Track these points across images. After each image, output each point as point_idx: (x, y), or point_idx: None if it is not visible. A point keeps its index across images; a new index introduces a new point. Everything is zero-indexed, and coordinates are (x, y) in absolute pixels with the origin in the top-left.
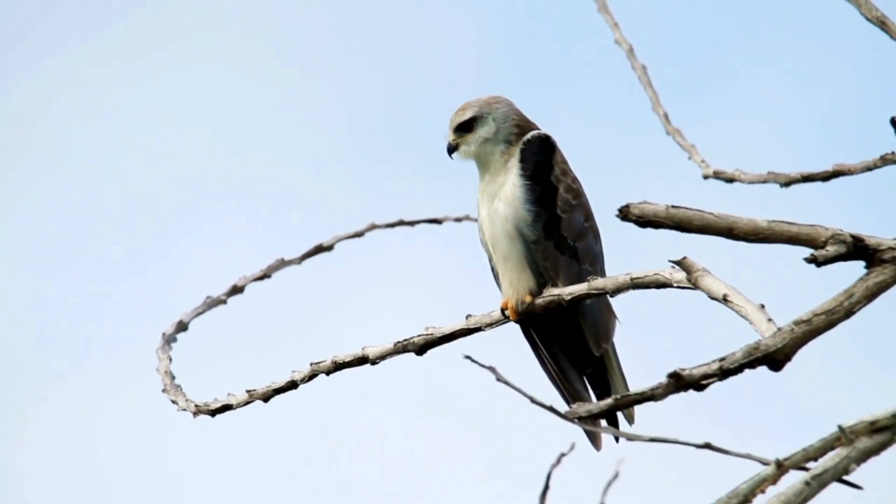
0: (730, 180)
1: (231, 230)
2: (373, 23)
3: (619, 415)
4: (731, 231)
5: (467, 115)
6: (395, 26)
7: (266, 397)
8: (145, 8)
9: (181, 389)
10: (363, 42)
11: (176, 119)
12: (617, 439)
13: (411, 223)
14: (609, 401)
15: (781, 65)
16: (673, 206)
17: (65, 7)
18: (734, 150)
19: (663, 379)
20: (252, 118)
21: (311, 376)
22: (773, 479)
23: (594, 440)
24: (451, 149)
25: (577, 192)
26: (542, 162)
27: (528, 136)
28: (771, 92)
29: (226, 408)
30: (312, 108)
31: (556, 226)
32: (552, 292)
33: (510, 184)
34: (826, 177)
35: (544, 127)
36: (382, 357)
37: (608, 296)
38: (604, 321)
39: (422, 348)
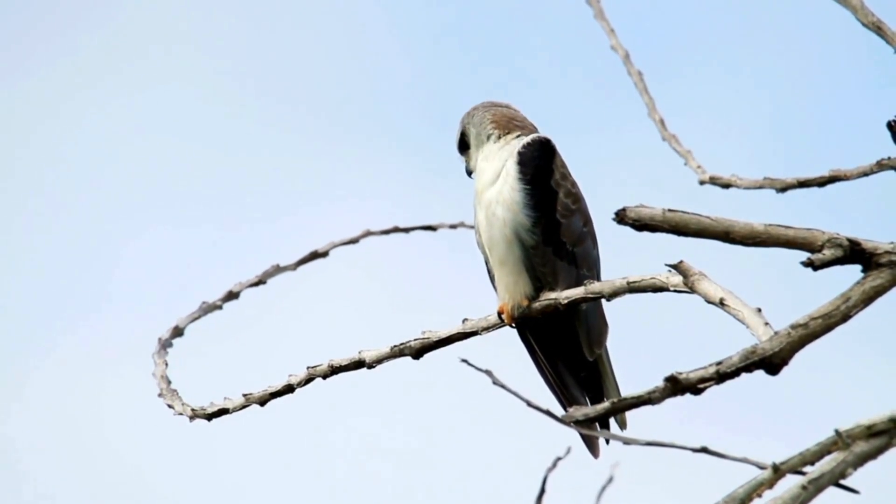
0: (726, 186)
1: (226, 236)
2: (366, 28)
3: (612, 420)
4: (727, 235)
5: (457, 135)
6: (387, 32)
7: (262, 401)
8: (107, 26)
9: (177, 394)
10: (348, 44)
11: (159, 132)
12: (608, 441)
13: (406, 230)
14: (606, 404)
15: (729, 63)
16: (669, 210)
17: (27, 27)
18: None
19: (660, 383)
20: (239, 128)
21: (308, 380)
22: (770, 483)
23: (591, 447)
24: (468, 171)
25: (577, 197)
26: (541, 166)
27: (528, 139)
28: (721, 91)
29: (222, 412)
30: (297, 116)
31: (555, 231)
32: (549, 296)
33: (508, 187)
34: (822, 182)
35: (532, 119)
36: (379, 361)
37: (604, 300)
38: (598, 326)
39: (418, 352)
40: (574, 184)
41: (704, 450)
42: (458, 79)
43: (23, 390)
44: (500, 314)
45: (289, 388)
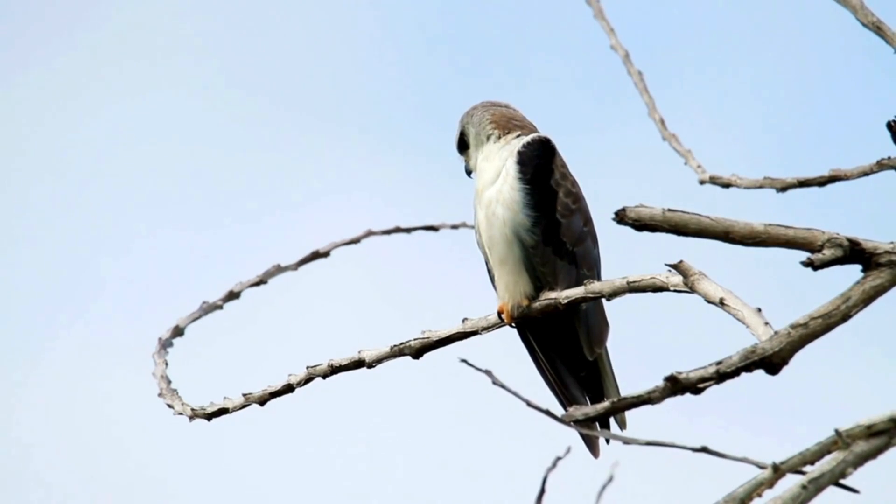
0: (726, 185)
1: (227, 236)
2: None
3: (612, 420)
4: (727, 235)
5: (456, 135)
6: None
7: (262, 401)
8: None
9: (177, 393)
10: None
11: (161, 133)
12: (608, 441)
13: (408, 230)
14: (606, 404)
15: (729, 63)
16: (669, 210)
17: (23, 30)
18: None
19: (660, 382)
20: (240, 130)
21: (308, 380)
22: (770, 483)
23: (591, 447)
24: (467, 171)
25: (577, 197)
26: (541, 165)
27: (528, 138)
28: (721, 91)
29: (222, 411)
30: (298, 117)
31: (555, 231)
32: (549, 296)
33: (508, 186)
34: (822, 182)
35: (531, 118)
36: (379, 360)
37: (604, 300)
38: (598, 325)
39: (418, 352)
40: (574, 183)
41: (704, 449)
42: (459, 78)
43: (22, 390)
44: (499, 314)
45: (288, 388)
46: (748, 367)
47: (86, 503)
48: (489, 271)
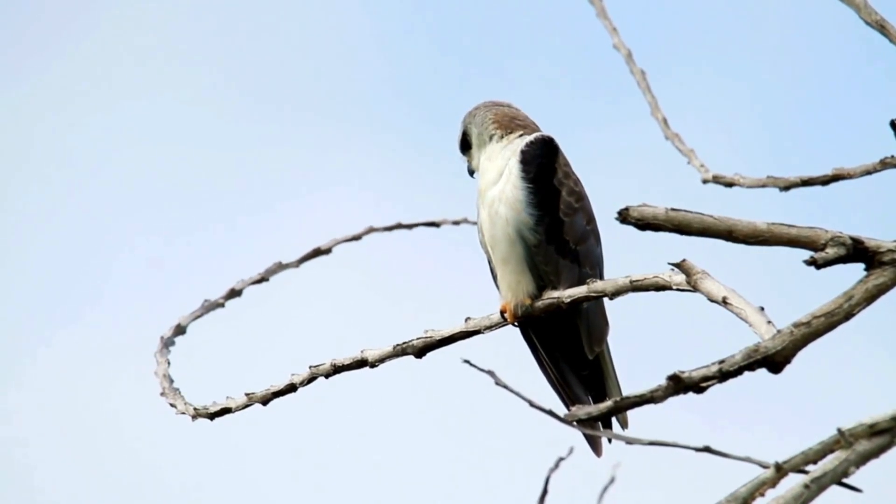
0: (729, 184)
1: (228, 234)
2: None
3: (614, 419)
4: (730, 234)
5: (458, 135)
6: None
7: (265, 400)
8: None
9: (179, 393)
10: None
11: (165, 134)
12: (610, 440)
13: (409, 226)
14: (609, 403)
15: (732, 63)
16: (672, 209)
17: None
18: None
19: (663, 381)
20: (239, 128)
21: (310, 379)
22: (773, 483)
23: (595, 446)
24: (470, 171)
25: (580, 196)
26: (544, 165)
27: (531, 138)
28: (724, 91)
29: (224, 411)
30: (299, 114)
31: (558, 230)
32: (552, 295)
33: (511, 185)
34: (825, 181)
35: (534, 117)
36: (381, 360)
37: (607, 299)
38: (598, 324)
39: (421, 351)
40: (577, 182)
41: (707, 449)
42: (461, 76)
43: (23, 390)
44: (502, 313)
45: (291, 388)
46: (751, 365)
47: (87, 503)
48: (492, 270)
